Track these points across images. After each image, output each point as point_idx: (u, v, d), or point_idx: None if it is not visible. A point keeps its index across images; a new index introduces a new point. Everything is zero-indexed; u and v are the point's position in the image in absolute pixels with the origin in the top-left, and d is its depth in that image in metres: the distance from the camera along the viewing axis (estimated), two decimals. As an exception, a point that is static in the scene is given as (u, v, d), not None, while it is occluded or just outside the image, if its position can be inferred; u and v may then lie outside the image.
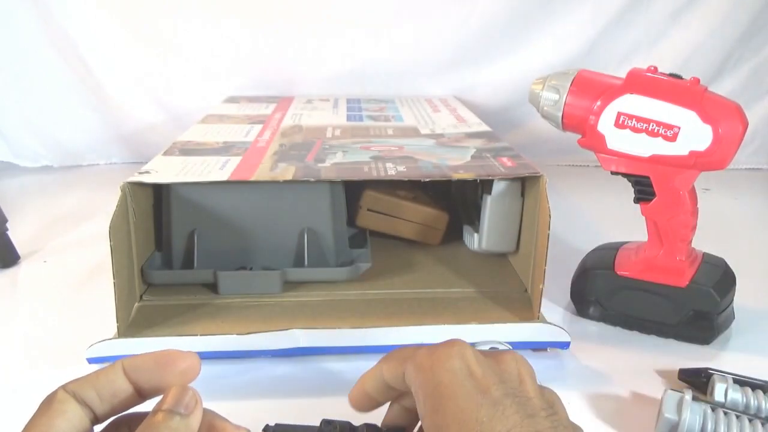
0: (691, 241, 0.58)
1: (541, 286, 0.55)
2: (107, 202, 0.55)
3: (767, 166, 1.19)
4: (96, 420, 0.28)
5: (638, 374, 0.53)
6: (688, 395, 0.44)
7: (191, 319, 0.57)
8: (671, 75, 0.54)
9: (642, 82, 0.53)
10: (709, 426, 0.42)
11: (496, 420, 0.27)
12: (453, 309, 0.59)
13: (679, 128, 0.52)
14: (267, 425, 0.32)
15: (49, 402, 0.27)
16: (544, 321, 0.56)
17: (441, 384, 0.29)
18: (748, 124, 0.53)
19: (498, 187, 0.64)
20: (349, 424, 0.33)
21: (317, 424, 0.33)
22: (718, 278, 0.58)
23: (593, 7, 1.09)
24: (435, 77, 1.15)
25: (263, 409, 0.48)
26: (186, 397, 0.27)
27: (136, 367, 0.28)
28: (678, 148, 0.53)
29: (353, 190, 0.70)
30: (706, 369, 0.50)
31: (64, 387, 0.27)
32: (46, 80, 1.10)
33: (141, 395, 0.29)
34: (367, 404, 0.34)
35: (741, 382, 0.48)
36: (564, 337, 0.55)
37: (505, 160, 0.64)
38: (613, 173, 0.57)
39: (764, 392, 0.46)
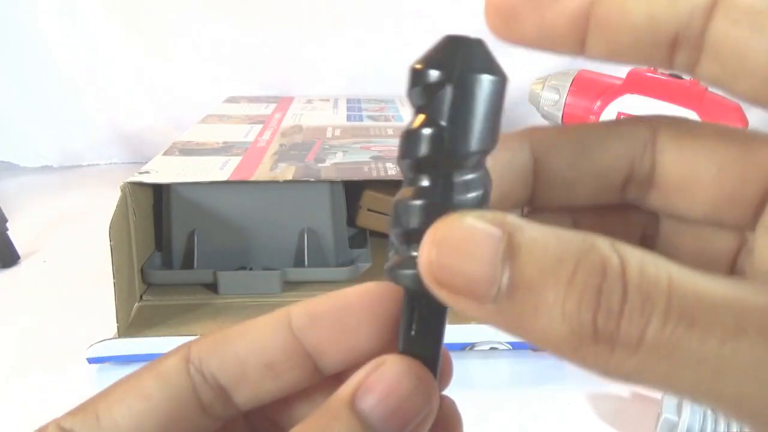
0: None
1: (541, 286, 0.55)
2: (107, 202, 0.55)
3: (767, 166, 1.18)
4: (232, 409, 0.17)
5: (638, 374, 0.53)
6: (688, 395, 0.44)
7: (191, 319, 0.57)
8: (671, 75, 0.54)
9: (642, 82, 0.53)
10: (709, 426, 0.42)
11: None
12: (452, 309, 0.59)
13: (679, 128, 0.52)
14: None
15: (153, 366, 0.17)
16: (544, 321, 0.56)
17: None
18: (748, 124, 0.53)
19: (498, 187, 0.64)
20: None
21: None
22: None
23: (593, 7, 1.09)
24: (435, 77, 1.14)
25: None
26: (424, 412, 0.16)
27: (314, 315, 0.17)
28: (678, 148, 0.53)
29: (353, 190, 0.70)
30: (706, 369, 0.50)
31: (187, 351, 0.17)
32: (46, 80, 1.10)
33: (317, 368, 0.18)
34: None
35: (741, 382, 0.48)
36: (564, 337, 0.55)
37: (505, 160, 0.64)
38: (613, 173, 0.57)
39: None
